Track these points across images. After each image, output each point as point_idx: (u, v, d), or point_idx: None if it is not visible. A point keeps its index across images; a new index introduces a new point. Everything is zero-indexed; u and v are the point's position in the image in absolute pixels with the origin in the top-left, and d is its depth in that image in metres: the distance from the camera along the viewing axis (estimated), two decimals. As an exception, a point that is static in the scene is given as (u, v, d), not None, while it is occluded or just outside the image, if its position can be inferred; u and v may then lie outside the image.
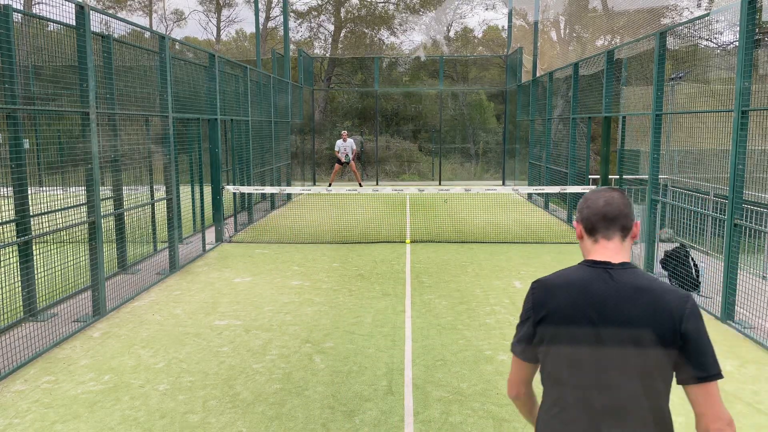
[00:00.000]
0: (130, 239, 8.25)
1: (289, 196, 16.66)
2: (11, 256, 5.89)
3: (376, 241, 10.75)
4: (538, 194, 15.71)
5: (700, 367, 1.68)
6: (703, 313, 6.58)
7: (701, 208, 8.86)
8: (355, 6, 29.78)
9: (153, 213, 9.13)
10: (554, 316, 1.78)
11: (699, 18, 7.29)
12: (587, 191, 10.65)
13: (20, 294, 6.07)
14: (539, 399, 1.96)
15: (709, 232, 9.08)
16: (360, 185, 18.34)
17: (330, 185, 17.84)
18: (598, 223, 1.84)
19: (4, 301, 5.82)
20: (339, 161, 18.24)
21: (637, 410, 1.69)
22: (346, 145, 18.09)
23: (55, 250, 6.45)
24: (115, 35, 7.61)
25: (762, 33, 6.23)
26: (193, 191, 10.48)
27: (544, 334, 1.81)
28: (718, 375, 1.68)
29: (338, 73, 28.90)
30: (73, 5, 6.12)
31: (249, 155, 12.40)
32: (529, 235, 11.22)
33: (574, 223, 1.94)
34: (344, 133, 18.58)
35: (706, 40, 7.67)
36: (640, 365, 1.69)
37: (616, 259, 1.81)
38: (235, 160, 12.04)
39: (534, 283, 1.90)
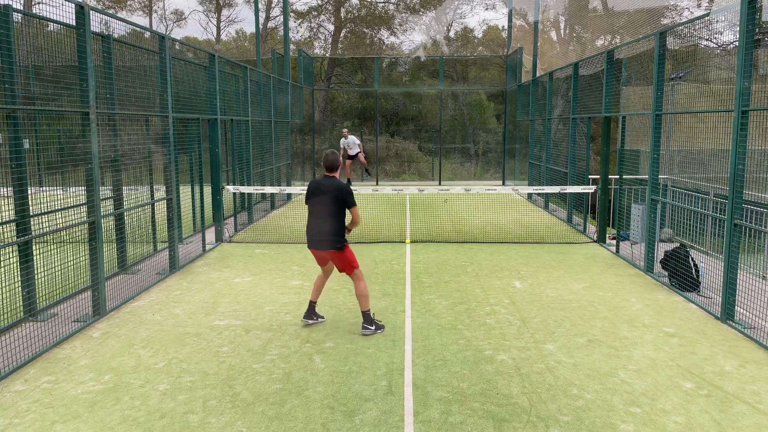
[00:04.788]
0: (130, 239, 8.26)
1: (289, 196, 16.67)
2: (11, 256, 5.89)
3: (376, 241, 10.76)
4: (538, 194, 15.71)
5: (349, 205, 5.95)
6: (703, 312, 6.61)
7: (701, 208, 8.86)
8: (355, 6, 29.78)
9: (153, 213, 9.13)
10: (310, 191, 6.05)
11: (699, 18, 7.29)
12: (585, 191, 10.60)
13: (20, 294, 6.07)
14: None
15: (709, 232, 9.09)
16: (368, 172, 20.01)
17: (349, 181, 18.51)
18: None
19: (4, 301, 5.83)
20: (349, 156, 18.50)
21: (331, 219, 5.82)
22: (348, 141, 18.33)
23: (55, 250, 6.45)
24: (115, 35, 7.61)
25: (762, 33, 6.23)
26: (193, 191, 10.48)
27: (308, 197, 6.09)
28: (354, 205, 5.99)
29: (338, 73, 28.91)
30: (73, 5, 6.12)
31: (249, 155, 12.40)
32: (529, 235, 11.22)
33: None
34: (345, 130, 18.90)
35: (706, 40, 7.66)
36: (333, 204, 5.83)
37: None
38: (235, 160, 12.04)
39: (312, 180, 6.31)
